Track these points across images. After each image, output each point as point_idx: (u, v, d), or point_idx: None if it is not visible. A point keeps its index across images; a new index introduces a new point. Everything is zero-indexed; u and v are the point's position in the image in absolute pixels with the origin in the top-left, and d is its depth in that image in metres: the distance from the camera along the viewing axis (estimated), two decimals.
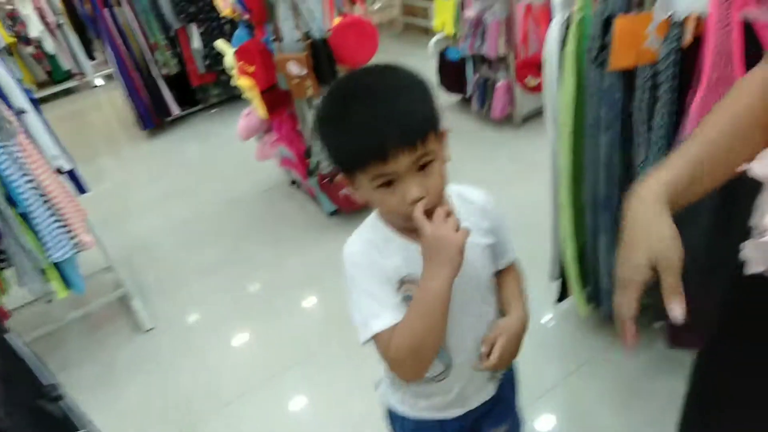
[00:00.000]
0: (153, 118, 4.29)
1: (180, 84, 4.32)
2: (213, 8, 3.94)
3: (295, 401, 1.97)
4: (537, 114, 3.33)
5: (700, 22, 1.16)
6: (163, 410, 2.01)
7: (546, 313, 2.06)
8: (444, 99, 3.73)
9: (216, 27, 4.05)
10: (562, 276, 1.93)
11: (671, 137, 1.35)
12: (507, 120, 3.35)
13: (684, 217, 1.16)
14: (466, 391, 1.03)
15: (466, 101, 3.58)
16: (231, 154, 3.83)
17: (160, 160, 4.09)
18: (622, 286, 0.74)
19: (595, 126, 1.54)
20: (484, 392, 1.07)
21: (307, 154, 2.69)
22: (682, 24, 1.21)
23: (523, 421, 1.29)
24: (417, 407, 1.05)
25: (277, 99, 2.64)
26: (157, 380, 2.14)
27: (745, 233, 0.68)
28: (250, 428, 1.88)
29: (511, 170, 3.01)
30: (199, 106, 4.57)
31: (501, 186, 2.82)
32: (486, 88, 3.34)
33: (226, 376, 2.11)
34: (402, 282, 0.88)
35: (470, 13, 3.15)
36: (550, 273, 1.98)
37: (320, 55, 2.33)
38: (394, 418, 1.12)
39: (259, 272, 2.65)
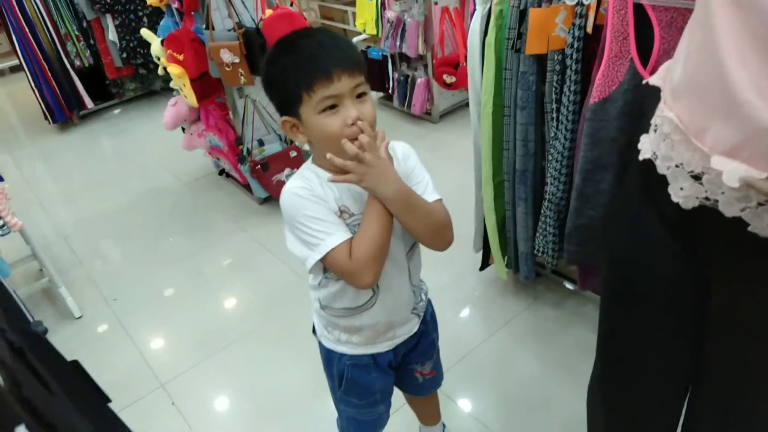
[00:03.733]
0: (64, 111, 4.11)
1: (94, 77, 4.17)
2: (130, 0, 3.90)
3: (230, 380, 2.01)
4: (453, 110, 3.58)
5: (599, 10, 1.39)
6: None
7: (470, 282, 2.26)
8: None
9: (133, 19, 3.97)
10: (485, 247, 2.13)
11: (577, 113, 1.57)
12: (426, 115, 3.57)
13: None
14: (393, 322, 1.16)
15: (387, 98, 3.77)
16: (152, 147, 3.77)
17: (74, 154, 3.93)
18: None
19: (512, 106, 1.74)
20: (409, 325, 1.20)
21: (239, 141, 2.74)
22: (585, 14, 1.43)
23: (442, 375, 1.45)
24: (351, 343, 1.17)
25: (207, 87, 2.67)
26: (90, 366, 2.10)
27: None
28: (187, 407, 1.92)
29: (431, 159, 3.21)
30: (115, 101, 4.43)
31: None
32: (406, 86, 3.54)
33: (160, 359, 2.13)
34: (341, 211, 1.00)
35: (390, 14, 3.34)
36: (474, 245, 2.18)
37: (253, 43, 2.41)
38: (331, 358, 1.22)
39: (189, 259, 2.66)
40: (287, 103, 0.95)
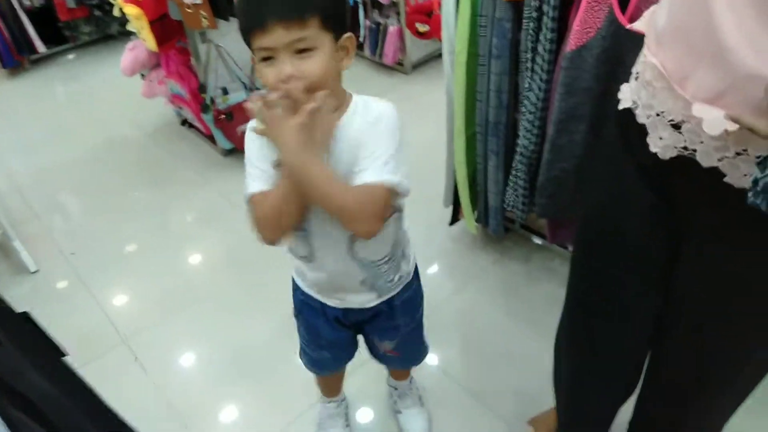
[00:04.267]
0: (13, 55, 3.87)
1: (46, 19, 3.92)
2: None
3: (195, 336, 1.97)
4: (426, 60, 3.49)
5: None
6: None
7: (440, 236, 2.25)
8: None
9: None
10: (455, 202, 2.12)
11: (553, 62, 1.53)
12: (398, 66, 3.47)
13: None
14: (336, 286, 1.13)
15: (358, 47, 3.65)
16: (110, 94, 3.59)
17: (26, 102, 3.72)
18: None
19: (487, 56, 1.69)
20: (360, 297, 1.15)
21: (202, 89, 2.62)
22: None
23: (422, 352, 1.43)
24: (303, 281, 1.18)
25: (167, 30, 2.53)
26: (48, 320, 2.04)
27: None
28: (151, 362, 1.88)
29: (402, 112, 3.14)
30: (69, 45, 4.19)
31: None
32: (378, 34, 3.43)
33: (122, 315, 2.07)
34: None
35: None
36: (444, 199, 2.16)
37: None
38: (294, 285, 1.23)
39: (152, 213, 2.57)
40: (245, 40, 0.89)
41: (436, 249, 2.22)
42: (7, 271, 2.26)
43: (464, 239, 2.22)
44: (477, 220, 2.08)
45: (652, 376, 1.15)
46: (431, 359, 1.80)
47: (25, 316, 0.88)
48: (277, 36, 0.82)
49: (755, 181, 0.65)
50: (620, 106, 0.85)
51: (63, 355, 0.94)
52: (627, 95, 0.84)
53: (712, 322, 0.92)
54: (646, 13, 0.83)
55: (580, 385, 1.27)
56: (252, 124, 0.96)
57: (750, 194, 0.66)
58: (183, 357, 1.90)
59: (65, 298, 2.17)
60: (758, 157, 0.66)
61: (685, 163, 0.75)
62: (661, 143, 0.77)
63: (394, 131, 0.95)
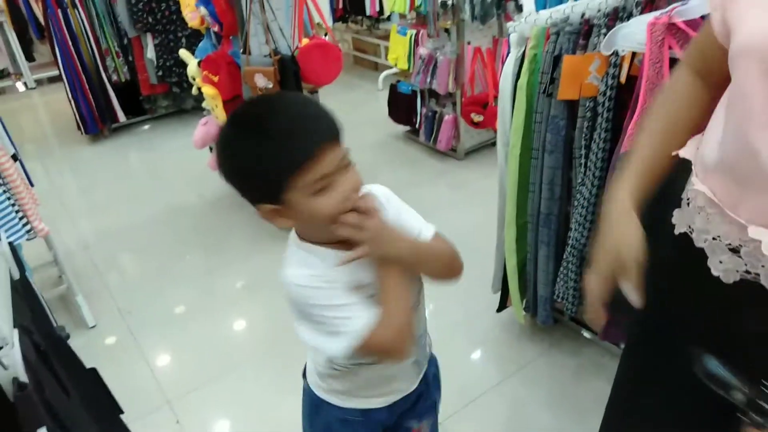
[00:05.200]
0: (97, 123, 4.22)
1: (128, 92, 4.29)
2: (170, 21, 4.03)
3: (235, 404, 1.99)
4: (479, 148, 3.59)
5: (633, 61, 1.40)
6: None
7: (486, 323, 2.23)
8: (393, 129, 3.94)
9: (173, 39, 4.09)
10: (503, 289, 2.11)
11: (606, 160, 1.57)
12: (451, 152, 3.59)
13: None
14: (391, 374, 1.06)
15: (414, 132, 3.80)
16: (178, 164, 3.83)
17: (102, 166, 4.01)
18: (594, 273, 0.89)
19: (541, 149, 1.75)
20: (407, 380, 1.09)
21: None
22: (619, 64, 1.44)
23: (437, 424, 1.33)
24: (344, 394, 1.07)
25: None
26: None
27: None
28: (191, 426, 1.90)
29: (453, 196, 3.23)
30: (147, 116, 4.54)
31: (444, 209, 3.03)
32: (434, 121, 3.58)
33: (167, 376, 2.12)
34: (357, 287, 0.89)
35: (423, 51, 3.40)
36: (492, 286, 2.16)
37: (287, 70, 2.46)
38: (319, 408, 1.11)
39: (203, 278, 2.67)
40: (267, 193, 0.83)
41: (481, 335, 2.20)
42: (68, 325, 2.35)
43: (512, 327, 2.19)
44: (525, 309, 2.07)
45: None
46: None
47: (94, 372, 0.93)
48: (329, 160, 0.80)
49: None
50: (676, 231, 0.86)
51: (120, 412, 0.98)
52: (681, 221, 0.84)
53: None
54: (691, 142, 0.86)
55: None
56: (314, 260, 0.89)
57: None
58: (221, 424, 1.91)
59: (117, 354, 2.24)
60: None
61: (751, 286, 0.75)
62: (722, 267, 0.78)
63: (399, 200, 0.99)
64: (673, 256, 0.92)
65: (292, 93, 0.87)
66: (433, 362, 1.18)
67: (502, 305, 2.15)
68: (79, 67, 4.02)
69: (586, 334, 2.08)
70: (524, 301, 2.05)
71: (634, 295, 0.83)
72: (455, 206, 3.05)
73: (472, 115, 3.35)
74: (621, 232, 0.86)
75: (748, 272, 0.75)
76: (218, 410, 1.96)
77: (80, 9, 3.90)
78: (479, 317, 2.25)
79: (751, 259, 0.73)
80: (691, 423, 1.00)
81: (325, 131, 0.81)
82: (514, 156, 1.80)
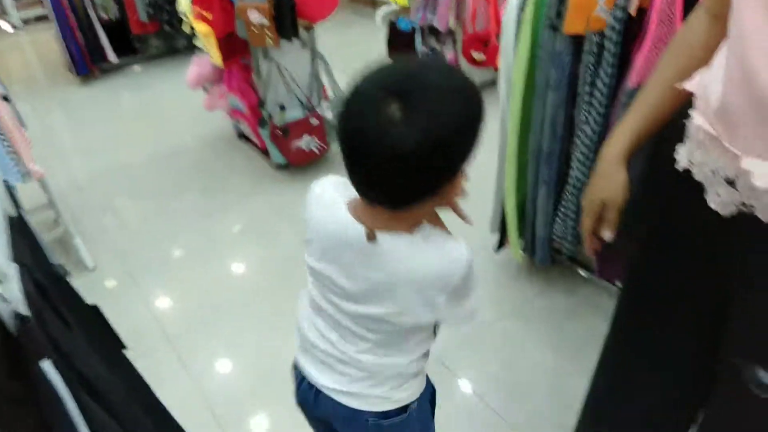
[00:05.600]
0: (87, 63, 4.10)
1: (118, 31, 4.15)
2: None
3: (235, 344, 2.02)
4: (481, 87, 3.51)
5: None
6: None
7: (484, 262, 2.24)
8: None
9: None
10: (501, 228, 2.12)
11: (611, 97, 1.53)
12: None
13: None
14: None
15: None
16: (172, 104, 3.76)
17: (95, 107, 3.93)
18: (584, 214, 1.02)
19: (545, 86, 1.70)
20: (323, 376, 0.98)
21: (260, 105, 2.72)
22: None
23: None
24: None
25: (232, 47, 2.64)
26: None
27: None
28: (193, 365, 1.93)
29: None
30: (138, 56, 4.41)
31: None
32: None
33: (168, 317, 2.15)
34: None
35: None
36: (491, 225, 2.16)
37: (282, 6, 2.37)
38: (426, 417, 1.04)
39: (202, 220, 2.67)
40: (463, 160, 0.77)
41: (479, 275, 2.19)
42: (66, 267, 2.37)
43: (509, 267, 2.21)
44: (523, 249, 2.08)
45: None
46: (467, 383, 1.79)
47: (95, 309, 0.94)
48: None
49: None
50: (678, 167, 0.86)
51: (123, 347, 0.99)
52: (683, 156, 0.85)
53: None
54: (697, 75, 0.84)
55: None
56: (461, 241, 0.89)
57: None
58: (223, 362, 1.95)
59: (117, 295, 2.26)
60: None
61: (747, 218, 0.76)
62: (719, 200, 0.78)
63: None
64: (675, 193, 0.92)
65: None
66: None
67: (500, 244, 2.16)
68: (67, 5, 3.87)
69: (583, 273, 2.10)
70: (522, 241, 2.06)
71: (607, 234, 0.99)
72: None
73: (473, 53, 3.26)
74: (606, 182, 0.98)
75: (744, 204, 0.74)
76: (218, 349, 1.99)
77: None
78: (479, 258, 2.24)
79: (747, 191, 0.73)
80: (687, 362, 1.02)
81: None
82: (516, 93, 1.76)
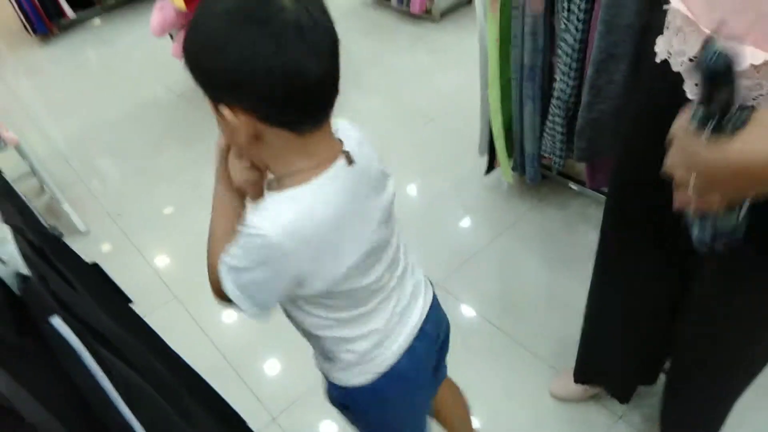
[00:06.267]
0: (44, 21, 3.91)
1: None
2: None
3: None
4: (455, 7, 3.40)
5: None
6: None
7: (475, 186, 2.25)
8: None
9: None
10: (490, 150, 2.11)
11: (591, 1, 1.49)
12: (426, 14, 3.40)
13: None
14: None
15: None
16: (139, 56, 3.63)
17: (59, 67, 3.78)
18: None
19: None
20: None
21: None
22: None
23: None
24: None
25: None
26: None
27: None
28: (201, 315, 1.96)
29: (432, 61, 3.11)
30: (96, 8, 4.20)
31: (423, 76, 2.94)
32: None
33: (171, 272, 2.16)
34: None
35: None
36: (479, 148, 2.15)
37: None
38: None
39: (186, 171, 2.63)
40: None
41: (471, 197, 2.23)
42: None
43: (500, 188, 2.22)
44: (513, 168, 2.08)
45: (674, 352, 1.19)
46: (471, 305, 1.84)
47: (95, 267, 0.93)
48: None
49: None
50: (657, 59, 0.85)
51: (129, 301, 1.00)
52: (661, 47, 0.83)
53: (720, 312, 0.96)
54: None
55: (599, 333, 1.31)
56: None
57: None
58: (229, 312, 1.98)
59: (115, 257, 2.26)
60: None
61: None
62: (697, 89, 0.77)
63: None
64: (655, 88, 0.91)
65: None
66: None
67: (490, 167, 2.16)
68: None
69: (574, 186, 2.11)
70: (512, 161, 2.06)
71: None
72: (436, 71, 2.96)
73: None
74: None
75: None
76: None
77: None
78: (467, 181, 2.27)
79: None
80: (670, 256, 1.05)
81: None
82: (493, 7, 1.70)
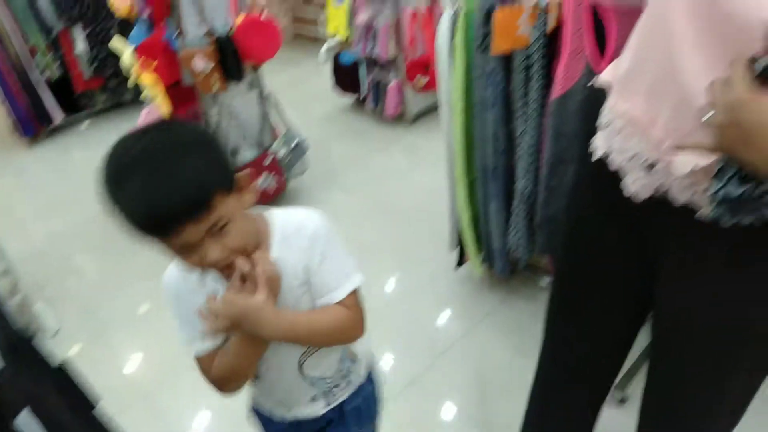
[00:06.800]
0: (34, 125, 4.06)
1: (63, 89, 4.13)
2: (98, 10, 3.88)
3: (207, 395, 2.00)
4: (427, 112, 3.63)
5: (560, 8, 1.45)
6: None
7: (447, 280, 2.30)
8: (339, 101, 3.94)
9: (103, 29, 3.94)
10: (460, 245, 2.18)
11: (544, 107, 1.63)
12: (400, 118, 3.62)
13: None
14: (285, 400, 1.07)
15: (360, 102, 3.81)
16: None
17: (45, 168, 3.88)
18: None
19: (482, 105, 1.80)
20: (310, 408, 1.06)
21: None
22: (546, 12, 1.49)
23: None
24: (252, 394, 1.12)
25: (180, 95, 2.67)
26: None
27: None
28: (170, 419, 1.93)
29: (405, 163, 3.27)
30: (84, 113, 4.38)
31: (397, 176, 3.08)
32: (379, 89, 3.59)
33: (139, 374, 2.13)
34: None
35: (362, 18, 3.39)
36: (449, 243, 2.23)
37: (226, 50, 2.43)
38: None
39: (162, 267, 2.64)
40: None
41: (444, 291, 2.27)
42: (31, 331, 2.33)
43: (471, 282, 2.28)
44: (484, 260, 2.15)
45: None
46: (450, 407, 1.83)
47: (62, 368, 0.94)
48: (188, 235, 0.74)
49: (715, 192, 0.68)
50: (594, 157, 0.90)
51: (95, 405, 1.00)
52: (600, 144, 0.89)
53: (687, 353, 0.94)
54: (611, 65, 0.90)
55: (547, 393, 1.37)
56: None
57: (711, 208, 0.69)
58: (200, 414, 1.94)
59: (85, 356, 2.22)
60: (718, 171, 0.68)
61: (659, 202, 0.80)
62: (637, 184, 0.82)
63: (331, 239, 0.90)
64: (587, 181, 0.98)
65: (174, 132, 0.78)
66: (358, 395, 1.11)
67: (461, 261, 2.23)
68: (7, 68, 3.83)
69: (542, 283, 2.18)
70: (481, 254, 2.13)
71: None
72: (408, 172, 3.11)
73: (417, 77, 3.38)
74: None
75: (661, 186, 0.79)
76: (195, 400, 1.98)
77: (2, 6, 3.70)
78: (440, 275, 2.32)
79: (665, 174, 0.77)
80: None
81: (186, 210, 0.73)
82: (457, 113, 1.85)
